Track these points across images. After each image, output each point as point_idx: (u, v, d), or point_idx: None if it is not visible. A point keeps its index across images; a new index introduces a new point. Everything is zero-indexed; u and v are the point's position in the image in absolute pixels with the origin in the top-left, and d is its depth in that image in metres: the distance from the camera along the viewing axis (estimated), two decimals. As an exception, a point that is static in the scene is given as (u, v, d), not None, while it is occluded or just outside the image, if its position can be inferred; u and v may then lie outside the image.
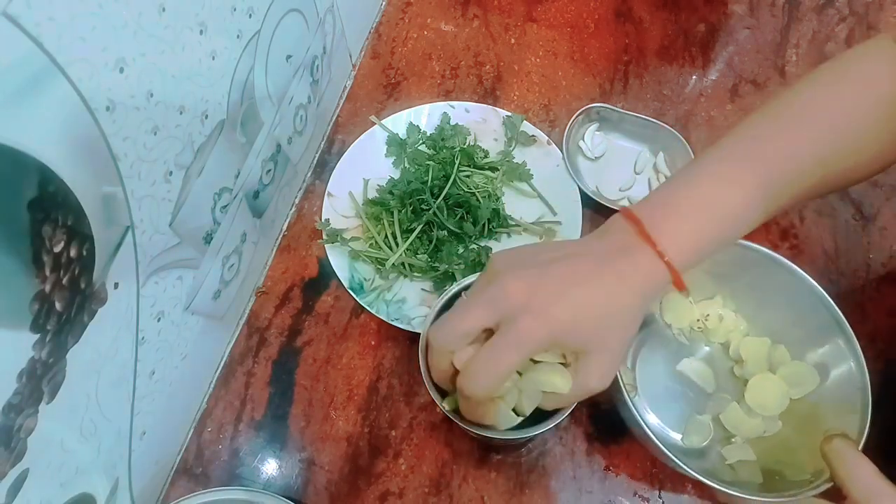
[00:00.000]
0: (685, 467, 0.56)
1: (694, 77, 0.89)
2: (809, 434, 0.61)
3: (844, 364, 0.62)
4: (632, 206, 0.52)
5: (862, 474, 0.53)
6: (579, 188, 0.77)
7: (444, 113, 0.83)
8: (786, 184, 0.52)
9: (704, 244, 0.50)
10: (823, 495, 0.56)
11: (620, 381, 0.59)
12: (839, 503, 0.53)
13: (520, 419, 0.55)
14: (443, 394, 0.60)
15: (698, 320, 0.70)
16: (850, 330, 0.61)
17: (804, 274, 0.63)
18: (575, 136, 0.82)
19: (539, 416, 0.60)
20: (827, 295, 0.62)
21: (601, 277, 0.48)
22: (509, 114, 0.82)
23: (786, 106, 0.54)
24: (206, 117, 0.55)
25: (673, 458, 0.56)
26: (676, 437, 0.66)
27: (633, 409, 0.58)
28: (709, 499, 0.65)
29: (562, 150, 0.79)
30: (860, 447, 0.57)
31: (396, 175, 0.80)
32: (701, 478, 0.56)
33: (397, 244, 0.74)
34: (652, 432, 0.57)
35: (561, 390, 0.50)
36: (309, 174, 0.83)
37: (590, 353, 0.49)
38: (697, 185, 0.51)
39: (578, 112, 0.81)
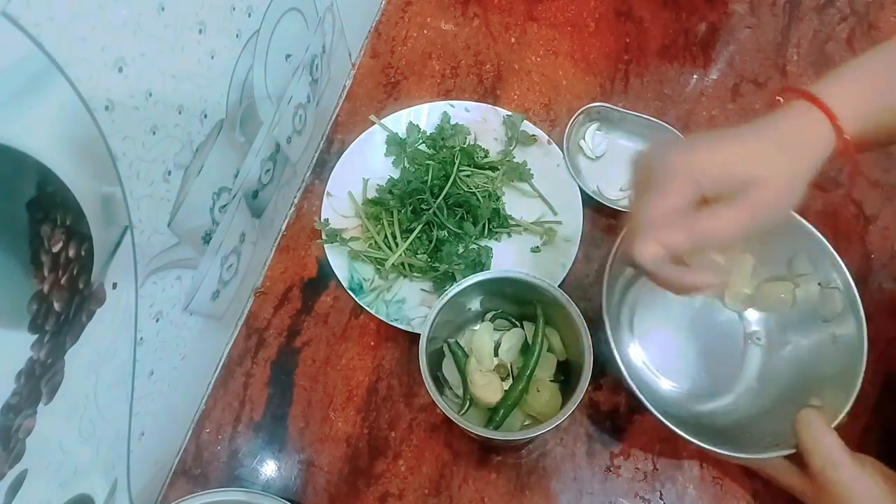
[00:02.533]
0: (654, 411, 0.57)
1: (695, 76, 0.88)
2: (795, 404, 0.61)
3: (846, 336, 0.63)
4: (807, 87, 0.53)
5: (824, 444, 0.56)
6: (580, 188, 0.77)
7: (444, 112, 0.83)
8: None
9: (877, 109, 0.51)
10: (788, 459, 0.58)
11: (605, 315, 0.59)
12: (802, 468, 0.56)
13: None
14: (442, 393, 0.60)
15: None
16: (860, 305, 0.62)
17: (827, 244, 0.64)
18: (575, 135, 0.82)
19: (539, 416, 0.60)
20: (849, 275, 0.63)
21: (766, 135, 0.50)
22: (510, 113, 0.82)
23: None
24: (205, 117, 0.55)
25: (644, 401, 0.58)
26: (668, 384, 0.68)
27: (611, 344, 0.59)
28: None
29: (562, 150, 0.79)
30: (842, 417, 0.58)
31: (396, 175, 0.80)
32: (675, 429, 0.57)
33: (397, 244, 0.74)
34: (629, 374, 0.58)
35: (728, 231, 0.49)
36: (308, 174, 0.82)
37: (758, 182, 0.48)
38: (871, 61, 0.53)
39: (579, 111, 0.81)
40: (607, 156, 0.83)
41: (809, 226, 0.65)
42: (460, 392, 0.64)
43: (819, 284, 0.65)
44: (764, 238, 0.67)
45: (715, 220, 0.48)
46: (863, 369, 0.59)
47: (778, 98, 0.54)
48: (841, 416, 0.57)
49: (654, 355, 0.69)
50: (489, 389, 0.62)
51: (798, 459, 0.57)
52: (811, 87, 0.52)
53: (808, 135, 0.50)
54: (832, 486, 0.54)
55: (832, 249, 0.64)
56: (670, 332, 0.71)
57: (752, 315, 0.71)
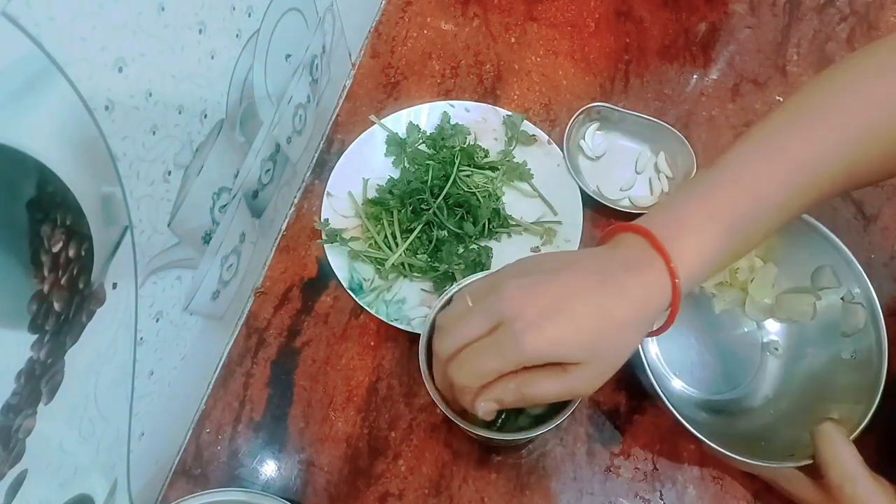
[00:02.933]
0: (690, 429, 0.57)
1: (695, 76, 0.88)
2: (811, 415, 0.61)
3: (866, 350, 0.62)
4: (644, 217, 0.51)
5: (843, 458, 0.55)
6: (580, 188, 0.77)
7: (444, 112, 0.83)
8: (808, 187, 0.51)
9: (717, 257, 0.49)
10: (803, 471, 0.58)
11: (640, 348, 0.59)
12: (817, 481, 0.56)
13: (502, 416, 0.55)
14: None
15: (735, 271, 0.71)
16: (883, 322, 0.62)
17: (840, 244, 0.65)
18: (575, 135, 0.82)
19: (539, 416, 0.60)
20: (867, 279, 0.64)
21: (603, 290, 0.48)
22: (509, 113, 0.82)
23: (803, 107, 0.53)
24: (205, 117, 0.55)
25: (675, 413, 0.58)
26: (680, 384, 0.68)
27: (648, 373, 0.59)
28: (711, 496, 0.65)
29: (562, 150, 0.79)
30: (858, 432, 0.57)
31: (396, 175, 0.80)
32: (694, 431, 0.57)
33: (397, 244, 0.74)
34: (664, 392, 0.58)
35: (546, 399, 0.50)
36: (308, 174, 0.82)
37: (582, 365, 0.48)
38: (712, 195, 0.50)
39: (579, 111, 0.81)
40: (607, 156, 0.83)
41: (836, 239, 0.65)
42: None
43: (842, 299, 0.65)
44: (788, 248, 0.67)
45: (537, 387, 0.49)
46: (882, 385, 0.59)
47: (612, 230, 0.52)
48: (857, 432, 0.57)
49: (670, 355, 0.70)
50: None
51: (812, 472, 0.57)
52: (657, 227, 0.49)
53: (652, 296, 0.48)
54: (849, 502, 0.54)
55: (857, 264, 0.64)
56: (687, 334, 0.71)
57: (772, 325, 0.71)
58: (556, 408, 0.60)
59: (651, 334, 0.53)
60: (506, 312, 0.47)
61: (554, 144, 0.80)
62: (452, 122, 0.82)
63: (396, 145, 0.81)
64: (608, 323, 0.47)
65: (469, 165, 0.79)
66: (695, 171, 0.78)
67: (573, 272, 0.49)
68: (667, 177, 0.81)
